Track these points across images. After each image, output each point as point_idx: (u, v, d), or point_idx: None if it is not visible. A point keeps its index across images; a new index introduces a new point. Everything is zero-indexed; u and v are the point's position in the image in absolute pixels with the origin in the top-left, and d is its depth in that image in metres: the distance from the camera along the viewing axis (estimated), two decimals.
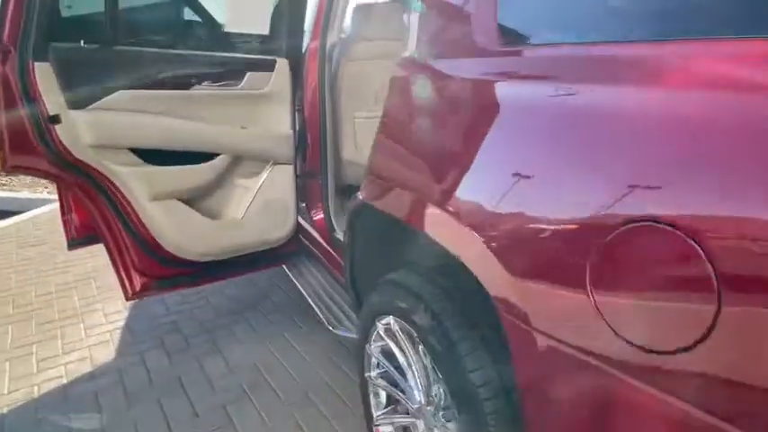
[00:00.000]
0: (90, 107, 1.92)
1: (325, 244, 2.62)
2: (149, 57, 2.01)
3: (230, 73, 2.23)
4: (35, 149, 1.90)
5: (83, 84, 1.89)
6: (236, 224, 2.32)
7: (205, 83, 2.17)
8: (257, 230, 2.40)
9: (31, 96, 1.83)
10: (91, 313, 3.09)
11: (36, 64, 1.80)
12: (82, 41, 1.89)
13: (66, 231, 2.70)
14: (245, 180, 2.38)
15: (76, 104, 1.90)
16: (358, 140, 2.92)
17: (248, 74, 2.24)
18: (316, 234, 2.69)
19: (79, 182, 2.05)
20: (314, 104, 2.44)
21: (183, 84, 2.09)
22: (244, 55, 2.34)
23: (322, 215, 2.64)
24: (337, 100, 2.55)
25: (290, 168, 2.46)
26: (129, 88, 1.96)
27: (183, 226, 2.16)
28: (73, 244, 2.70)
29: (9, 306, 3.21)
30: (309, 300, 2.51)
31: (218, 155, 2.25)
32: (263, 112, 2.33)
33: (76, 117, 1.90)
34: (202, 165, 2.21)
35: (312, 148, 2.43)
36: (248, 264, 2.44)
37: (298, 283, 2.69)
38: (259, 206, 2.37)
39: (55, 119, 1.87)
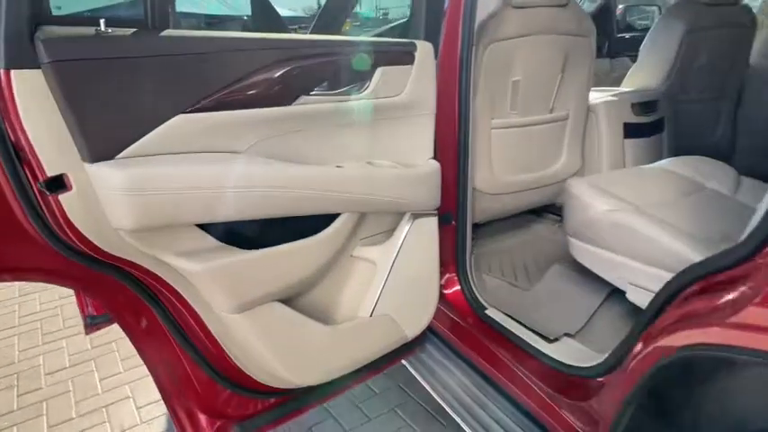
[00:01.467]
0: (124, 154, 0.96)
1: (466, 325, 1.73)
2: (222, 46, 1.03)
3: (349, 70, 1.26)
4: (23, 238, 0.96)
5: (107, 107, 0.92)
6: (362, 327, 1.38)
7: (314, 90, 1.19)
8: (390, 329, 1.47)
9: (10, 140, 0.88)
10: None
11: (14, 74, 0.84)
12: (101, 24, 0.92)
13: (82, 306, 1.80)
14: (373, 250, 1.43)
15: (98, 150, 0.94)
16: (494, 160, 1.97)
17: (379, 70, 1.27)
18: (449, 311, 1.77)
19: (105, 283, 1.10)
20: (448, 112, 1.49)
21: (280, 94, 1.12)
22: (369, 38, 1.36)
23: (459, 284, 1.71)
24: (474, 102, 1.59)
25: (433, 221, 1.50)
26: (192, 108, 0.99)
27: (286, 342, 1.23)
28: (94, 322, 1.80)
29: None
30: (450, 410, 1.65)
31: (336, 215, 1.29)
32: (400, 133, 1.38)
33: (101, 177, 0.94)
34: (318, 237, 1.25)
35: (444, 178, 1.49)
36: (361, 372, 1.51)
37: (427, 385, 1.79)
38: (395, 290, 1.43)
39: (58, 183, 0.92)
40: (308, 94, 1.20)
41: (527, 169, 2.17)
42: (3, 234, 0.97)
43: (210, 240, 1.11)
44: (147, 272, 1.11)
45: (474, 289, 1.79)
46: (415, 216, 1.48)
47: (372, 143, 1.40)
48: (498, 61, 1.91)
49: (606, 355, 1.31)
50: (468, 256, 1.80)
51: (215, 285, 1.10)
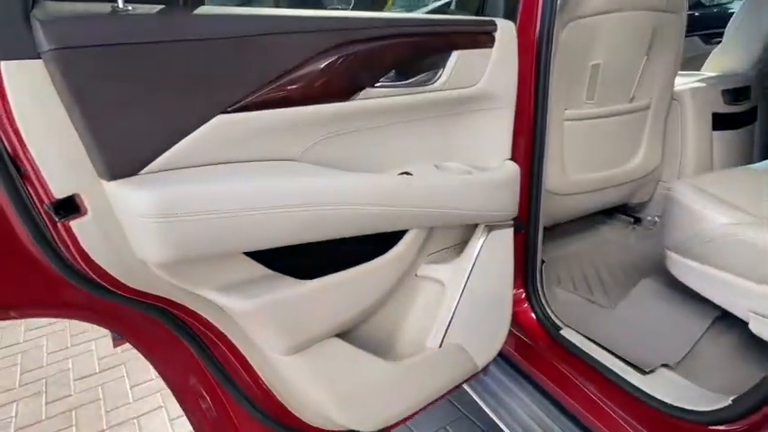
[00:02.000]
0: (151, 167, 0.75)
1: (536, 346, 1.52)
2: (272, 27, 0.80)
3: (421, 55, 1.02)
4: (31, 269, 0.76)
5: (129, 108, 0.70)
6: (430, 361, 1.16)
7: (380, 80, 0.96)
8: (461, 360, 1.25)
9: (6, 151, 0.66)
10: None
11: (4, 67, 0.63)
12: None
13: None
14: (442, 269, 1.20)
15: (119, 164, 0.73)
16: (565, 156, 1.71)
17: (455, 54, 1.02)
18: (516, 330, 1.54)
19: (132, 318, 0.90)
20: (522, 103, 1.26)
21: (342, 85, 0.89)
22: (443, 16, 1.12)
23: (527, 302, 1.49)
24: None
25: (509, 233, 1.26)
26: (235, 107, 0.78)
27: (344, 383, 1.02)
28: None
29: None
30: None
31: (403, 232, 1.07)
32: (474, 129, 1.15)
33: (123, 198, 0.73)
34: (384, 258, 1.03)
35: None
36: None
37: (486, 407, 1.57)
38: (467, 314, 1.20)
39: (68, 206, 0.71)
40: (374, 86, 0.97)
41: (601, 166, 1.90)
42: (7, 265, 0.77)
43: (259, 269, 0.90)
44: (181, 307, 0.91)
45: (545, 306, 1.56)
46: (490, 228, 1.24)
47: (442, 142, 1.17)
48: (578, 42, 1.64)
49: (731, 399, 1.07)
50: (539, 268, 1.56)
51: (266, 325, 0.89)
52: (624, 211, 2.20)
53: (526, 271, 1.55)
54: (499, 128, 1.23)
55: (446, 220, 1.13)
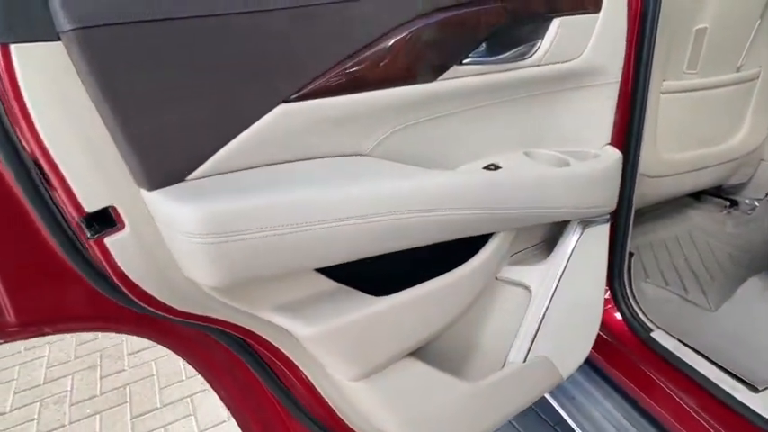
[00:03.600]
0: (200, 171, 0.60)
1: (623, 348, 1.36)
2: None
3: (516, 23, 0.82)
4: (69, 281, 0.64)
5: (172, 101, 0.54)
6: (514, 377, 1.01)
7: (469, 57, 0.77)
8: (547, 373, 1.09)
9: (28, 154, 0.53)
10: None
11: (15, 50, 0.48)
12: None
13: None
14: (528, 272, 1.04)
15: (161, 171, 0.58)
16: (659, 133, 1.48)
17: (556, 22, 0.82)
18: (603, 332, 1.37)
19: (189, 336, 0.79)
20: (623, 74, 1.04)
21: (424, 64, 0.71)
22: None
23: (613, 300, 1.35)
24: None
25: (605, 230, 1.07)
26: (299, 94, 0.62)
27: (420, 407, 0.89)
28: None
29: None
30: None
31: (489, 235, 0.90)
32: (572, 110, 0.96)
33: (167, 213, 0.59)
34: (466, 268, 0.87)
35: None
36: None
37: (562, 409, 1.42)
38: (555, 322, 1.04)
39: (102, 220, 0.57)
40: (461, 63, 0.79)
41: (698, 144, 1.66)
42: (37, 280, 0.65)
43: (326, 283, 0.76)
44: (239, 328, 0.78)
45: (634, 305, 1.38)
46: (585, 224, 1.06)
47: (534, 126, 0.99)
48: (682, 2, 1.38)
49: None
50: (627, 262, 1.37)
51: (334, 350, 0.76)
52: (717, 194, 1.95)
53: (613, 265, 1.36)
54: (601, 107, 1.03)
55: (541, 219, 0.96)
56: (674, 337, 1.28)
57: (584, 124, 1.03)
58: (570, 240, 1.06)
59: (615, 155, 1.05)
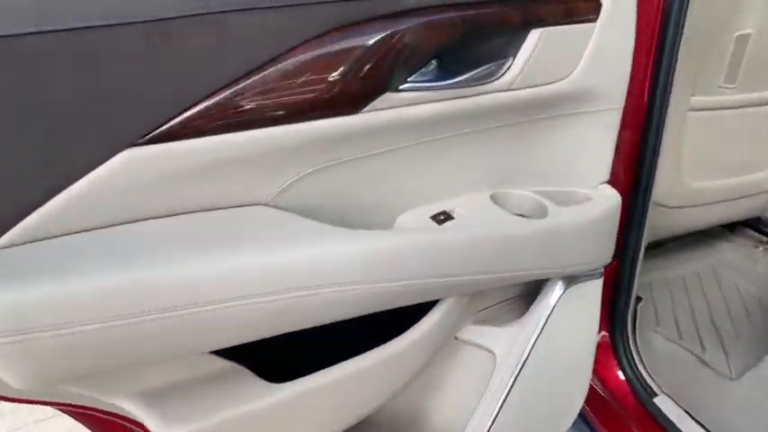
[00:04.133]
0: (8, 238, 0.43)
1: (620, 411, 1.16)
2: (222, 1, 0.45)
3: (477, 37, 0.61)
4: None
5: None
6: None
7: (409, 80, 0.58)
8: None
9: None
10: None
11: None
12: None
13: None
14: (493, 334, 0.85)
15: None
16: (684, 157, 1.25)
17: (534, 34, 0.61)
18: (597, 386, 1.15)
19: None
20: (633, 95, 0.83)
21: (343, 92, 0.52)
22: None
23: (612, 351, 1.17)
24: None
25: (597, 285, 0.87)
26: (156, 133, 0.45)
27: None
28: None
29: None
30: None
31: (433, 303, 0.71)
32: (557, 141, 0.75)
33: None
34: (406, 340, 0.69)
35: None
36: None
37: None
38: (525, 395, 0.86)
39: None
40: (397, 90, 0.60)
41: (731, 170, 1.42)
42: None
43: (207, 364, 0.59)
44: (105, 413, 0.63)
45: (637, 361, 1.18)
46: (570, 280, 0.86)
47: (504, 162, 0.79)
48: (718, 5, 1.15)
49: None
50: (632, 310, 1.16)
51: None
52: (755, 225, 1.70)
53: (614, 310, 1.16)
54: (597, 139, 0.83)
55: (508, 281, 0.77)
56: (681, 407, 1.08)
57: (573, 159, 0.83)
58: (549, 300, 0.87)
59: (613, 197, 0.85)
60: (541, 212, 0.78)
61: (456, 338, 0.90)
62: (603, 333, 1.21)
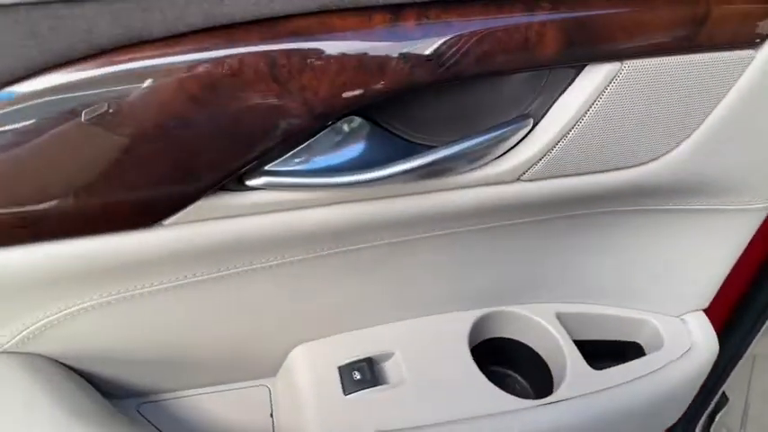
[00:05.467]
0: None
1: None
2: None
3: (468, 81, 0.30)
4: None
5: None
6: None
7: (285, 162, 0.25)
8: None
9: None
10: None
11: None
12: None
13: None
14: None
15: None
16: None
17: (584, 78, 0.26)
18: None
19: None
20: None
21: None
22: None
23: None
24: None
25: None
26: None
27: None
28: None
29: None
30: None
31: None
32: (636, 252, 0.48)
33: None
34: None
35: None
36: None
37: None
38: None
39: None
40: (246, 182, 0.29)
41: None
42: None
43: None
44: None
45: None
46: None
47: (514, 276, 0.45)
48: None
49: None
50: (710, 409, 0.86)
51: None
52: None
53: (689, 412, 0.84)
54: (709, 246, 0.47)
55: None
56: None
57: (649, 274, 0.49)
58: None
59: (710, 337, 0.51)
60: (560, 369, 0.45)
61: None
62: None
